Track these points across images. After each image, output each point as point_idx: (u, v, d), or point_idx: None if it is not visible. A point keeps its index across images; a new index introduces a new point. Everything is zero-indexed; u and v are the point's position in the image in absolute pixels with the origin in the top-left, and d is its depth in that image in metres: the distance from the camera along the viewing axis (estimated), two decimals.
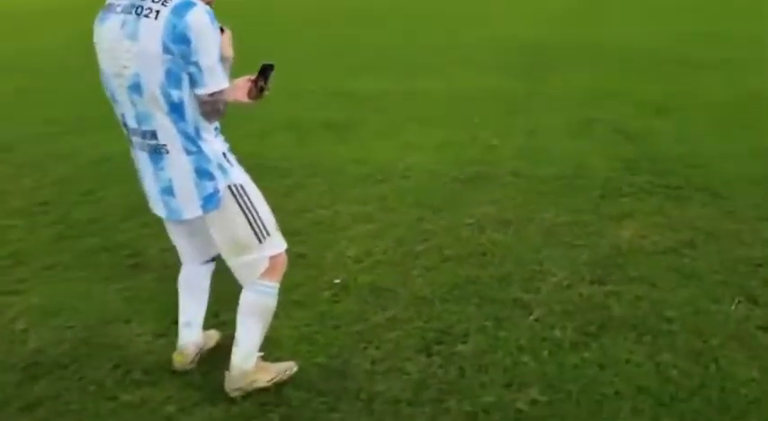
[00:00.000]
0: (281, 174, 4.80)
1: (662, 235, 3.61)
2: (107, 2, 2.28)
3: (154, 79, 2.15)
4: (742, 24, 9.15)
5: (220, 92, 2.22)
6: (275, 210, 2.51)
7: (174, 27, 2.08)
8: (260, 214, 2.45)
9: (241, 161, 2.44)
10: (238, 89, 2.42)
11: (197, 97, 2.20)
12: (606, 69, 7.28)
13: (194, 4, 2.12)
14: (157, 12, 2.10)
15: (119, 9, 2.19)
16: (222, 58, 2.25)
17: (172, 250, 3.73)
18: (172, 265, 3.64)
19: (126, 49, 2.15)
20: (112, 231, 4.13)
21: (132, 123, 2.28)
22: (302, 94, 7.17)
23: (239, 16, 9.26)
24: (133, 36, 2.12)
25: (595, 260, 3.41)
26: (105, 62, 2.25)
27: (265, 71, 2.48)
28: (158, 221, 2.67)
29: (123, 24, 2.15)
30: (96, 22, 2.27)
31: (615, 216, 3.86)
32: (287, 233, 2.58)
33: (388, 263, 3.53)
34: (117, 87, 2.24)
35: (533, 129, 5.41)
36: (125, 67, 2.17)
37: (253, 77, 2.50)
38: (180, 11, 2.09)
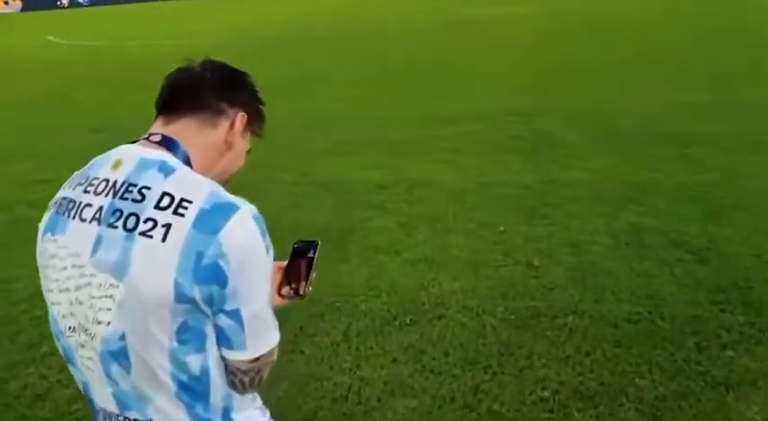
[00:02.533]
0: None
1: None
2: (58, 194, 1.32)
3: (154, 344, 1.19)
4: (737, 93, 8.66)
5: (270, 351, 1.29)
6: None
7: (200, 256, 1.16)
8: None
9: None
10: None
11: (229, 363, 1.26)
12: (615, 149, 6.55)
13: (235, 207, 1.21)
14: (166, 227, 1.17)
15: (86, 213, 1.23)
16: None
17: None
18: None
19: (102, 291, 1.19)
20: None
21: (107, 404, 1.29)
22: (274, 186, 6.23)
23: None
24: (118, 269, 1.17)
25: None
26: (58, 305, 1.27)
27: (304, 253, 1.57)
28: None
29: (97, 243, 1.20)
30: (42, 230, 1.31)
31: (729, 383, 3.00)
32: None
33: None
34: (77, 347, 1.26)
35: (573, 240, 4.57)
36: (99, 321, 1.20)
37: (283, 263, 1.57)
38: (210, 222, 1.18)
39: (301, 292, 1.55)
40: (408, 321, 3.72)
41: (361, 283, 4.22)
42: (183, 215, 1.17)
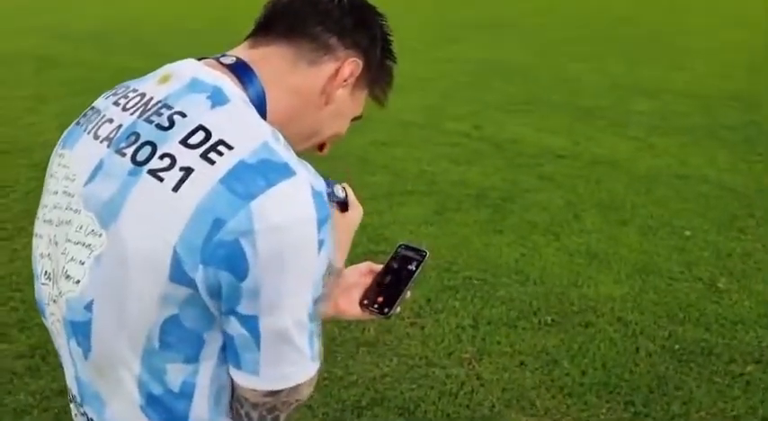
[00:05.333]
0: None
1: None
2: (92, 105, 1.00)
3: (125, 333, 0.85)
4: None
5: (296, 388, 0.89)
6: None
7: (218, 225, 0.78)
8: None
9: None
10: (342, 293, 1.16)
11: (238, 388, 0.89)
12: None
13: (290, 172, 0.82)
14: (186, 171, 0.81)
15: (103, 130, 0.91)
16: (324, 281, 0.89)
17: None
18: None
19: (81, 236, 0.86)
20: None
21: (71, 384, 0.99)
22: (442, 135, 5.81)
23: None
24: (107, 212, 0.84)
25: None
26: (39, 238, 0.97)
27: (405, 263, 1.22)
28: None
29: (97, 170, 0.87)
30: (62, 138, 1.00)
31: None
32: None
33: None
34: (49, 301, 0.95)
35: None
36: (68, 275, 0.88)
37: (377, 267, 1.23)
38: (248, 181, 0.80)
39: (386, 312, 1.18)
40: (549, 321, 3.22)
41: (508, 263, 3.75)
42: (213, 162, 0.81)
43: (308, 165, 0.86)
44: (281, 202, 0.79)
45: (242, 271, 0.79)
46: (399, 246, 1.24)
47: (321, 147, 1.06)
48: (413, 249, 1.23)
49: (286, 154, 0.84)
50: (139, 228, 0.81)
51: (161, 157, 0.83)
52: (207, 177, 0.80)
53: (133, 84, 0.96)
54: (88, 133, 0.93)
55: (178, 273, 0.80)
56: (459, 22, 11.38)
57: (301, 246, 0.81)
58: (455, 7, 12.61)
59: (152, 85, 0.93)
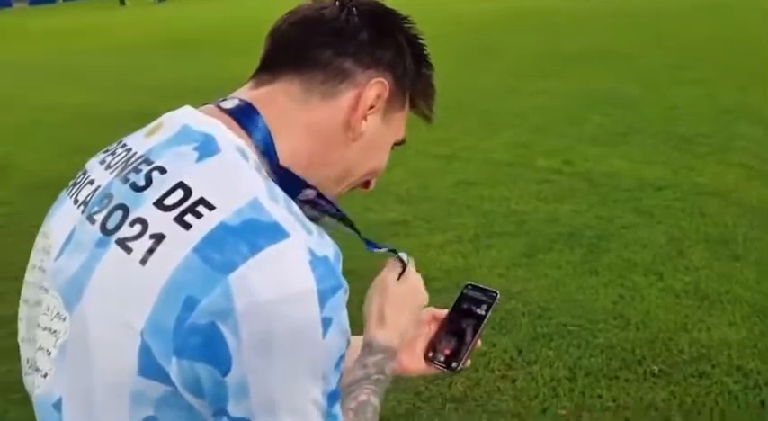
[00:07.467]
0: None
1: None
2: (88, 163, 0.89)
3: None
4: None
5: None
6: None
7: (190, 305, 0.64)
8: None
9: None
10: (404, 348, 1.02)
11: None
12: None
13: (282, 234, 0.68)
14: (156, 240, 0.68)
15: (83, 193, 0.81)
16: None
17: None
18: None
19: (48, 320, 0.75)
20: None
21: None
22: (531, 172, 5.58)
23: None
24: (72, 291, 0.71)
25: None
26: (20, 321, 0.86)
27: (473, 307, 1.09)
28: None
29: (68, 241, 0.76)
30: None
31: None
32: None
33: None
34: (32, 389, 0.82)
35: None
36: (38, 367, 0.77)
37: (441, 313, 1.11)
38: (227, 248, 0.66)
39: (454, 366, 1.04)
40: (656, 371, 2.92)
41: (605, 307, 3.47)
42: (189, 226, 0.68)
43: (314, 227, 0.72)
44: (268, 273, 0.65)
45: (224, 363, 0.65)
46: (465, 287, 1.11)
47: (366, 184, 0.93)
48: (481, 290, 1.10)
49: (280, 212, 0.70)
50: (103, 312, 0.69)
51: (132, 224, 0.70)
52: (179, 245, 0.67)
53: (126, 138, 0.86)
54: (70, 197, 0.83)
55: (148, 367, 0.67)
56: (557, 54, 11.10)
57: (297, 328, 0.66)
58: (554, 40, 12.37)
59: (140, 138, 0.82)
